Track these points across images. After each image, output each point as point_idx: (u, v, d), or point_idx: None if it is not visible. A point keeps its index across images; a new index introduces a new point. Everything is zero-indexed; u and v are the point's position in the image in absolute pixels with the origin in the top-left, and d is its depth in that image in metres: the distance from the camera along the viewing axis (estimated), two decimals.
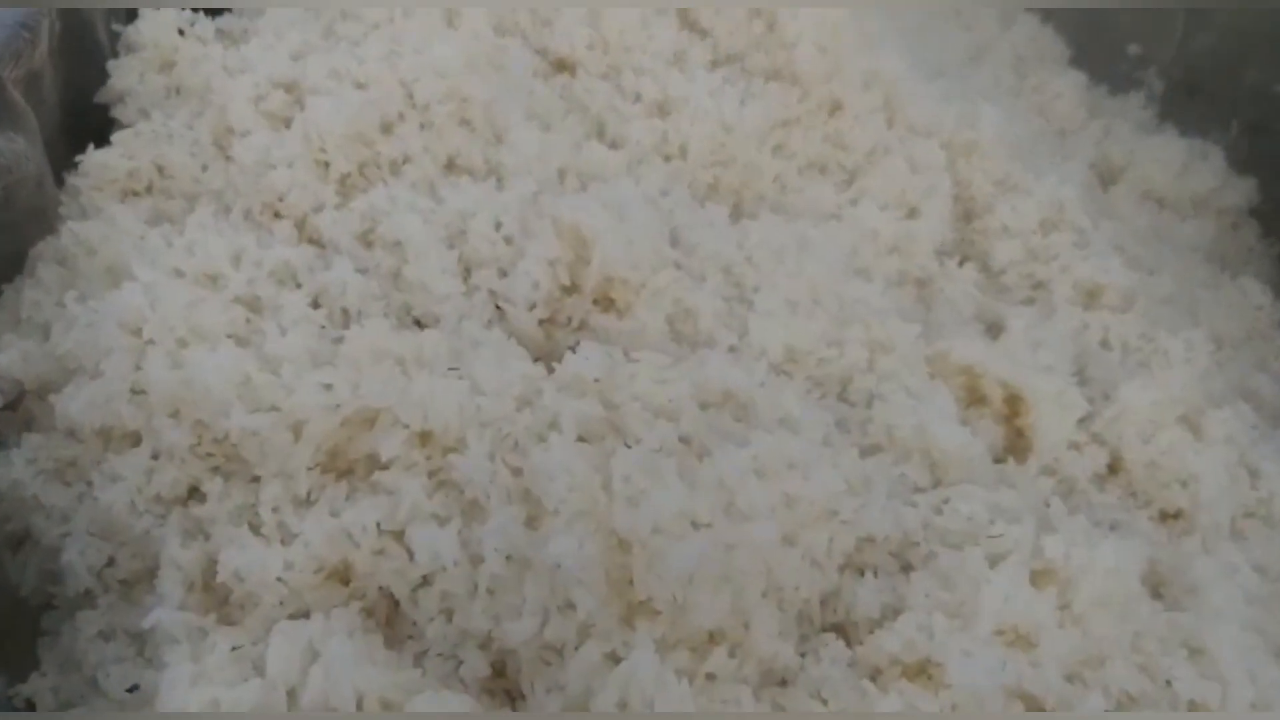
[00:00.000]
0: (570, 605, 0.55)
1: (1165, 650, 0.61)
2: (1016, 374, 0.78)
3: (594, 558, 0.54)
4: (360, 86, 0.80)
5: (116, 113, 0.85)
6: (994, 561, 0.60)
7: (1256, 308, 1.03)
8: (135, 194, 0.79)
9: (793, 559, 0.58)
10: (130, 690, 0.54)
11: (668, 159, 0.92)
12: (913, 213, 0.96)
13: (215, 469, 0.63)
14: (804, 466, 0.61)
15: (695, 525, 0.56)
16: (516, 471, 0.59)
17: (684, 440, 0.62)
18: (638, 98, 0.94)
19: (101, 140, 0.83)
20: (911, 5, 1.17)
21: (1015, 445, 0.78)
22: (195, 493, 0.63)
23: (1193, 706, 0.59)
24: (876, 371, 0.75)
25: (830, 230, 0.92)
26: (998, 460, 0.76)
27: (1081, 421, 0.79)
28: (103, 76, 0.86)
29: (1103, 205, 1.05)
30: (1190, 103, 1.19)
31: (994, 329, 0.91)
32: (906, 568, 0.62)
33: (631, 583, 0.55)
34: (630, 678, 0.52)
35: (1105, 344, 0.90)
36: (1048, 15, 1.25)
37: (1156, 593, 0.68)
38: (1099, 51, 1.23)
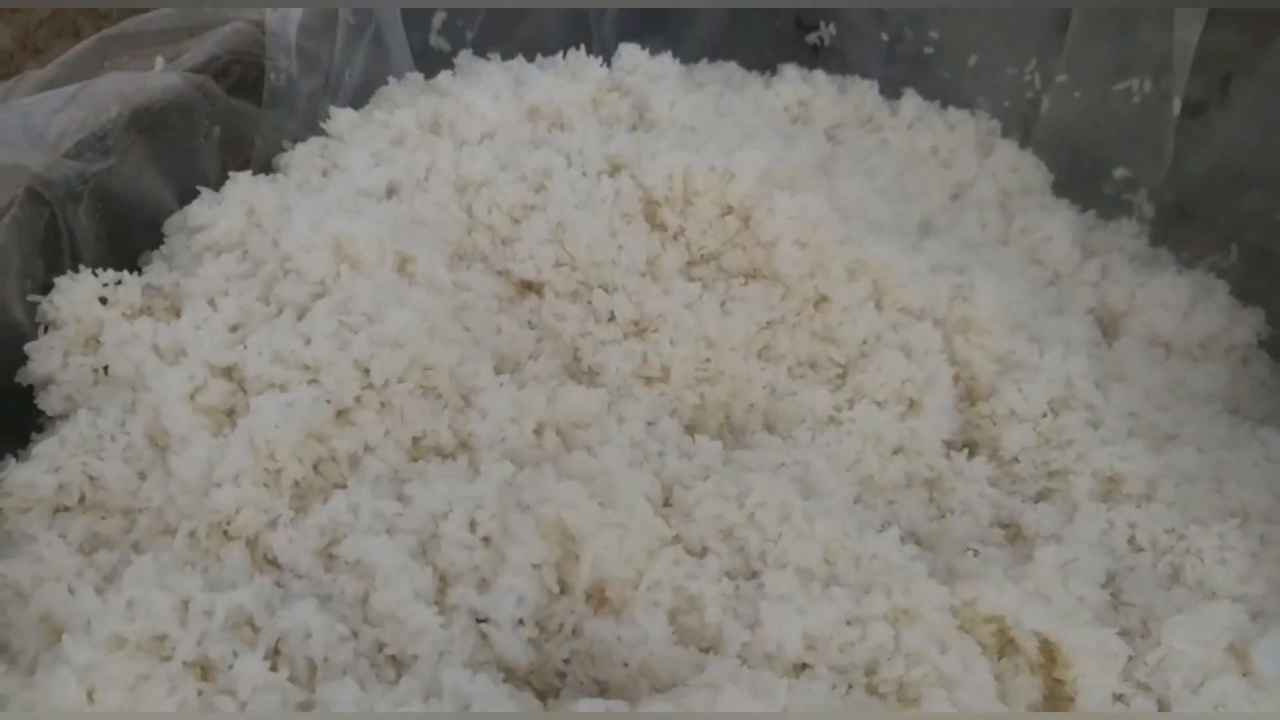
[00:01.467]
0: None
1: None
2: (1051, 625, 0.72)
3: None
4: (309, 372, 0.72)
5: (40, 402, 0.77)
6: None
7: (1274, 462, 0.97)
8: (66, 509, 0.71)
9: None
10: None
11: (649, 382, 0.86)
12: (914, 406, 0.90)
13: None
14: None
15: None
16: None
17: None
18: (611, 317, 0.87)
19: (23, 432, 0.75)
20: (881, 151, 1.11)
21: (1055, 694, 0.72)
22: None
23: None
24: (903, 651, 0.68)
25: (830, 438, 0.86)
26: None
27: (1125, 666, 0.72)
28: (20, 359, 0.78)
29: (1110, 366, 0.99)
30: (1185, 226, 1.14)
31: (1011, 530, 0.85)
32: None
33: None
34: None
35: (1133, 543, 0.84)
36: (1026, 140, 1.19)
37: None
38: (1083, 176, 1.17)
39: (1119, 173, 1.16)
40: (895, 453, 0.88)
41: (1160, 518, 0.85)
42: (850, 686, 0.67)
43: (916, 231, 1.05)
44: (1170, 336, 1.05)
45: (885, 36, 1.20)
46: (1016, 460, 0.90)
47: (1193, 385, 1.03)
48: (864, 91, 1.17)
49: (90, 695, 0.58)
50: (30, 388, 0.78)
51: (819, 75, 1.16)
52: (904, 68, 1.20)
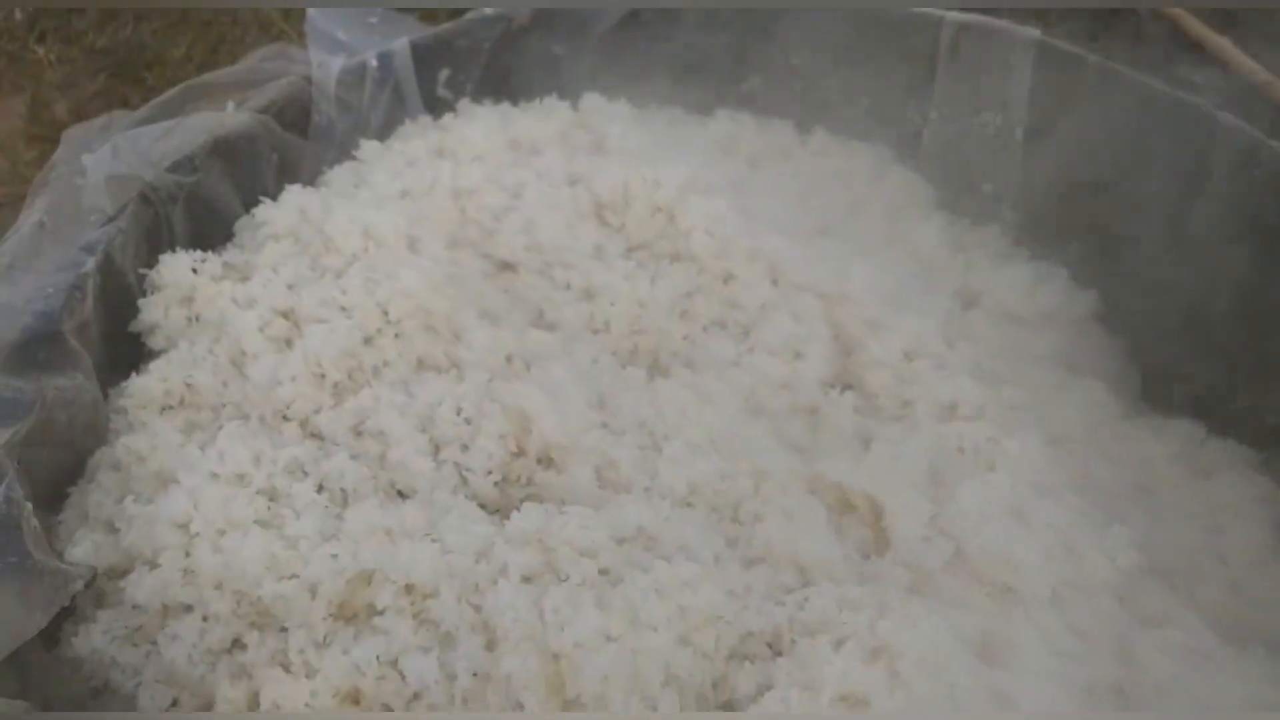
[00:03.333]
0: (520, 705, 0.75)
1: (975, 699, 0.80)
2: (874, 486, 0.99)
3: (535, 669, 0.75)
4: (345, 311, 1.02)
5: (148, 342, 1.07)
6: (838, 645, 0.80)
7: (1098, 403, 1.24)
8: (170, 408, 1.00)
9: (686, 656, 0.78)
10: None
11: (595, 333, 1.15)
12: (798, 355, 1.18)
13: (253, 625, 0.83)
14: (695, 583, 0.81)
15: (609, 639, 0.76)
16: (477, 609, 0.79)
17: (603, 572, 0.82)
18: (568, 287, 1.16)
19: (137, 366, 1.05)
20: (792, 173, 1.41)
21: (880, 543, 0.99)
22: (238, 644, 0.82)
23: None
24: (760, 496, 0.96)
25: (731, 377, 1.14)
26: (866, 557, 0.96)
27: (932, 519, 0.99)
28: (134, 312, 1.08)
29: (962, 329, 1.27)
30: (1038, 229, 1.42)
31: (869, 445, 1.12)
32: (777, 654, 0.82)
33: (563, 685, 0.75)
34: None
35: (960, 450, 1.11)
36: (915, 165, 1.49)
37: (990, 657, 0.88)
38: (958, 192, 1.47)
39: (986, 188, 1.45)
40: (783, 387, 1.15)
41: (983, 432, 1.12)
42: (719, 519, 0.94)
43: (813, 233, 1.34)
44: (1017, 310, 1.33)
45: (799, 86, 1.51)
46: (878, 395, 1.18)
47: (1033, 348, 1.31)
48: (781, 129, 1.48)
49: (195, 506, 0.87)
50: (139, 334, 1.08)
51: (745, 116, 1.47)
52: (815, 110, 1.51)
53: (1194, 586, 1.04)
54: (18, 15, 4.25)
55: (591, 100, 1.39)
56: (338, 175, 1.26)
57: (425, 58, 1.40)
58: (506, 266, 1.18)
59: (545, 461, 0.96)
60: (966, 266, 1.38)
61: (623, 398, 1.03)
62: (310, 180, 1.28)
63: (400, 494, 0.92)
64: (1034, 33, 1.31)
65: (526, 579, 0.81)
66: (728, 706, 0.80)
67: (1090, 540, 1.00)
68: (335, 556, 0.82)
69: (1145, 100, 1.24)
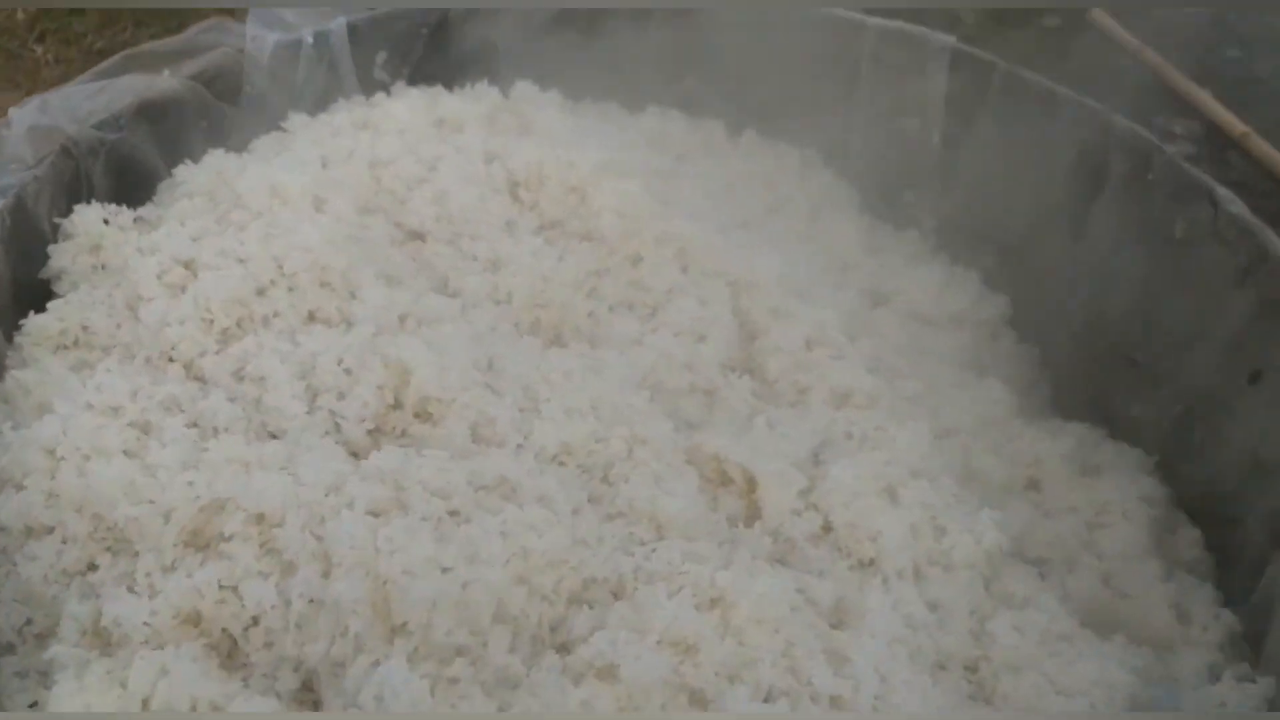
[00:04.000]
0: (347, 629, 0.76)
1: (810, 656, 0.81)
2: (750, 459, 1.01)
3: (363, 594, 0.76)
4: (241, 262, 1.04)
5: (55, 287, 1.09)
6: (673, 593, 0.81)
7: (995, 401, 1.26)
8: (65, 348, 1.02)
9: (521, 595, 0.79)
10: (30, 706, 0.75)
11: (497, 303, 1.17)
12: (702, 338, 1.20)
13: (107, 548, 0.84)
14: (542, 528, 0.83)
15: (442, 570, 0.78)
16: (319, 538, 0.81)
17: (452, 513, 0.84)
18: (475, 258, 1.19)
19: (42, 308, 1.07)
20: (718, 170, 1.44)
21: (751, 515, 1.00)
22: (92, 566, 0.84)
23: (832, 699, 0.80)
24: (633, 459, 0.98)
25: (633, 355, 1.16)
26: (735, 526, 0.98)
27: (803, 493, 1.01)
28: (45, 258, 1.10)
29: (867, 325, 1.29)
30: (956, 235, 1.45)
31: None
32: (619, 600, 0.83)
33: (389, 610, 0.76)
34: (384, 680, 0.73)
35: (848, 435, 1.13)
36: (842, 169, 1.51)
37: (838, 621, 0.90)
38: (882, 198, 1.49)
39: (907, 194, 1.48)
40: (683, 367, 1.17)
41: (872, 420, 1.14)
42: (590, 479, 0.96)
43: (732, 227, 1.37)
44: (925, 310, 1.35)
45: (733, 88, 1.54)
46: (776, 381, 1.20)
47: (938, 347, 1.33)
48: (711, 128, 1.51)
49: (64, 433, 0.88)
50: (49, 280, 1.10)
51: (674, 113, 1.50)
52: (747, 112, 1.54)
53: (1064, 576, 1.06)
54: (20, 15, 4.32)
55: (523, 88, 1.42)
56: (262, 144, 1.29)
57: (363, 39, 1.43)
58: (415, 235, 1.20)
59: (423, 415, 0.98)
60: (880, 267, 1.41)
61: (512, 362, 1.05)
62: (238, 149, 1.31)
63: (271, 435, 0.94)
64: (948, 39, 1.34)
65: (372, 513, 0.83)
66: (563, 649, 0.81)
67: (958, 521, 1.01)
68: (191, 484, 0.84)
69: (1048, 104, 1.27)
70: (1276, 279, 1.02)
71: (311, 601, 0.78)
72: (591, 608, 0.82)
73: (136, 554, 0.83)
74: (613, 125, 1.44)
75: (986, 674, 0.92)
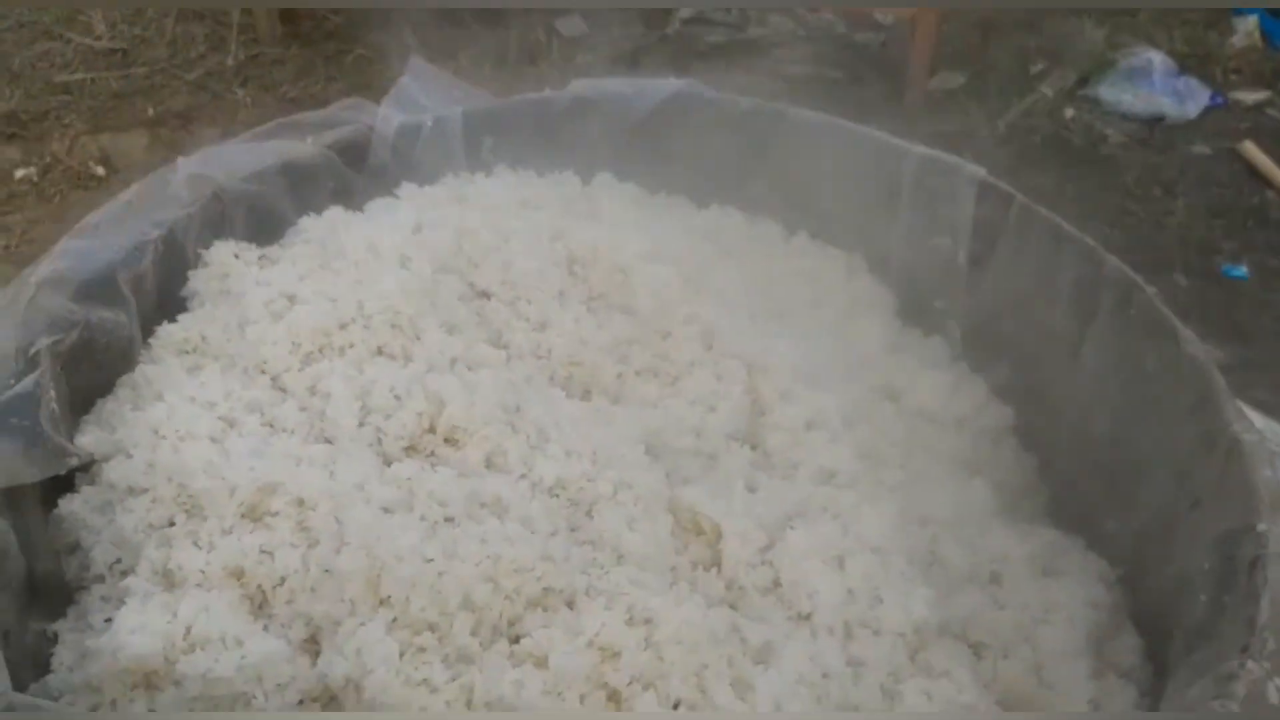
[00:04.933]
0: (346, 597, 0.96)
1: (717, 679, 0.96)
2: (723, 515, 1.17)
3: (361, 570, 0.97)
4: (332, 301, 1.28)
5: (189, 305, 1.36)
6: (610, 607, 0.98)
7: (976, 501, 1.38)
8: (185, 353, 1.27)
9: (487, 591, 0.98)
10: (105, 621, 0.97)
11: (539, 358, 1.37)
12: (712, 408, 1.37)
13: (185, 510, 1.07)
14: (516, 540, 1.02)
15: (425, 559, 0.97)
16: (339, 522, 1.02)
17: (447, 519, 1.04)
18: (527, 319, 1.40)
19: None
20: (766, 265, 1.62)
21: (713, 562, 1.16)
22: (171, 523, 1.07)
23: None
24: (615, 500, 1.15)
25: (645, 415, 1.34)
26: (694, 569, 1.14)
27: (761, 550, 1.16)
28: (185, 280, 1.37)
29: (868, 416, 1.43)
30: (978, 345, 1.58)
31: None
32: (571, 605, 1.01)
33: (378, 584, 0.96)
34: (365, 638, 0.93)
35: (824, 509, 1.27)
36: (884, 275, 1.67)
37: (758, 657, 1.04)
38: (916, 305, 1.64)
39: (937, 304, 1.62)
40: (691, 431, 1.35)
41: (850, 500, 1.28)
42: (575, 511, 1.14)
43: (766, 315, 1.54)
44: (932, 411, 1.49)
45: (794, 194, 1.72)
46: (772, 455, 1.35)
47: (937, 446, 1.46)
48: (767, 227, 1.69)
49: (168, 418, 1.13)
50: (185, 298, 1.37)
51: (734, 210, 1.69)
52: (804, 219, 1.71)
53: (999, 661, 1.17)
54: (230, 62, 4.87)
55: (602, 178, 1.64)
56: (374, 205, 1.55)
57: (476, 125, 1.68)
58: (482, 294, 1.42)
59: (450, 441, 1.18)
60: (897, 366, 1.55)
61: (535, 407, 1.25)
62: (355, 209, 1.57)
63: (326, 440, 1.16)
64: (979, 170, 1.49)
65: (385, 509, 1.03)
66: (514, 639, 0.99)
67: (896, 595, 1.14)
68: (253, 469, 1.06)
69: (1055, 237, 1.40)
70: (1214, 416, 1.13)
71: (326, 571, 0.99)
72: (545, 610, 1.00)
73: (205, 518, 1.06)
74: (675, 217, 1.64)
75: None
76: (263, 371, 1.23)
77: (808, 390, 1.40)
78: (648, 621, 0.98)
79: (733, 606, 1.12)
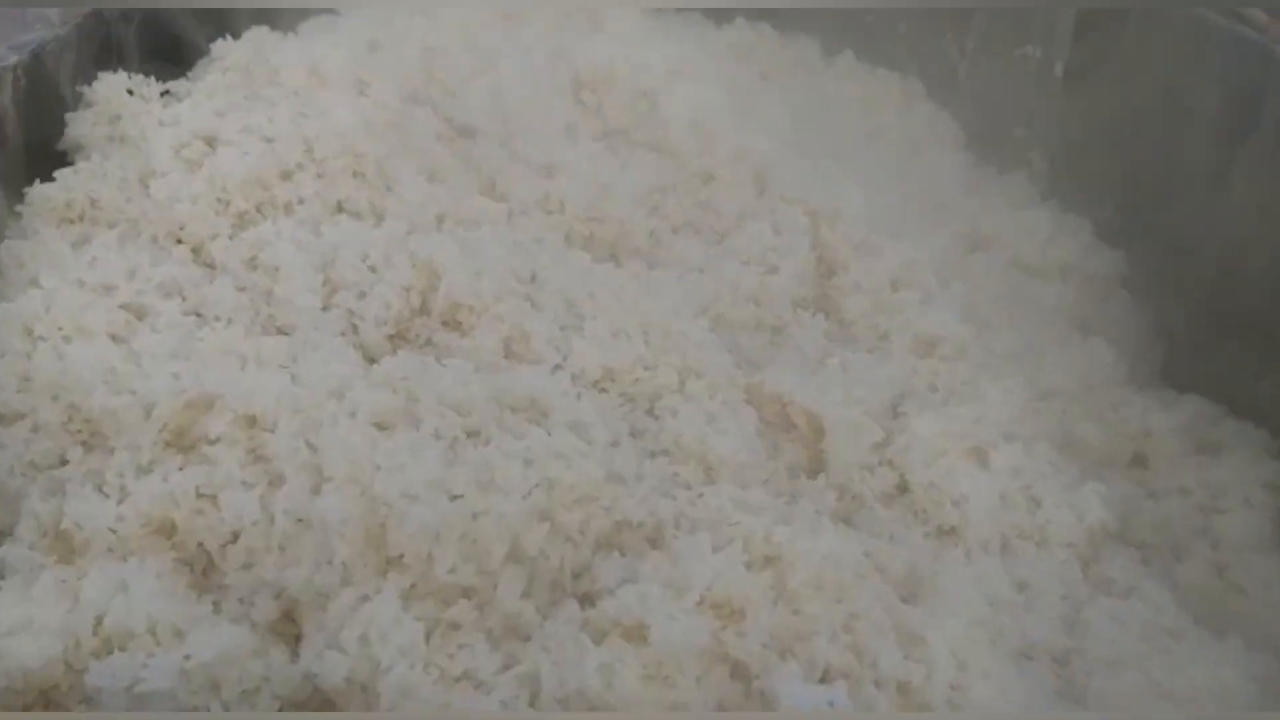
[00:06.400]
0: (332, 556, 0.65)
1: (878, 633, 0.68)
2: (819, 404, 0.88)
3: (355, 516, 0.65)
4: (267, 141, 0.93)
5: (72, 158, 0.99)
6: (719, 547, 0.69)
7: (1102, 364, 1.10)
8: (69, 221, 0.92)
9: (542, 533, 0.67)
10: None
11: (548, 213, 1.04)
12: (773, 269, 1.07)
13: (81, 441, 0.74)
14: (572, 457, 0.71)
15: (449, 496, 0.66)
16: (313, 448, 0.70)
17: (470, 433, 0.72)
18: (528, 162, 1.06)
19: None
20: (809, 91, 1.29)
21: (815, 466, 0.87)
22: (63, 461, 0.74)
23: (899, 686, 0.67)
24: (684, 393, 0.85)
25: (693, 280, 1.03)
26: (794, 477, 0.85)
27: (877, 447, 0.87)
28: (63, 127, 1.00)
29: (962, 270, 1.14)
30: (1070, 181, 1.29)
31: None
32: (654, 549, 0.71)
33: (384, 538, 0.65)
34: (372, 618, 0.62)
35: (932, 388, 0.99)
36: (944, 102, 1.36)
37: (911, 595, 0.77)
38: (991, 135, 1.33)
39: (1018, 132, 1.32)
40: (749, 301, 1.04)
41: (961, 374, 1.00)
42: (633, 409, 0.84)
43: (819, 153, 1.22)
44: (1029, 260, 1.20)
45: (831, 4, 1.39)
46: (854, 323, 1.06)
47: (1041, 301, 1.17)
48: (805, 45, 1.36)
49: (47, 310, 0.78)
50: (65, 152, 1.01)
51: (765, 26, 1.35)
52: (845, 32, 1.39)
53: (1174, 565, 0.91)
54: None
55: None
56: (311, 26, 1.18)
57: None
58: (465, 131, 1.08)
59: (451, 323, 0.87)
60: (981, 209, 1.25)
61: (556, 276, 0.93)
62: (286, 31, 1.20)
63: (279, 331, 0.83)
64: None
65: (377, 424, 0.71)
66: (586, 599, 0.69)
67: (1056, 494, 0.87)
68: (177, 376, 0.73)
69: (1198, 35, 1.09)
70: None
71: (299, 521, 0.67)
72: (623, 555, 0.70)
73: (111, 450, 0.73)
74: (693, 34, 1.30)
75: (1078, 668, 0.78)
76: (179, 240, 0.89)
77: (888, 242, 1.10)
78: (771, 562, 0.69)
79: (846, 521, 0.83)
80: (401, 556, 0.65)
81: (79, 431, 0.74)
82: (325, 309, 0.84)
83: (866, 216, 1.11)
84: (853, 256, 1.09)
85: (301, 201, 0.92)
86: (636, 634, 0.64)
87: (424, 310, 0.86)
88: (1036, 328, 1.13)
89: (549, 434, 0.73)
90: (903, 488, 0.86)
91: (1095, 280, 1.22)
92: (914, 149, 1.32)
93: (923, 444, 0.87)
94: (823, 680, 0.66)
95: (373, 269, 0.87)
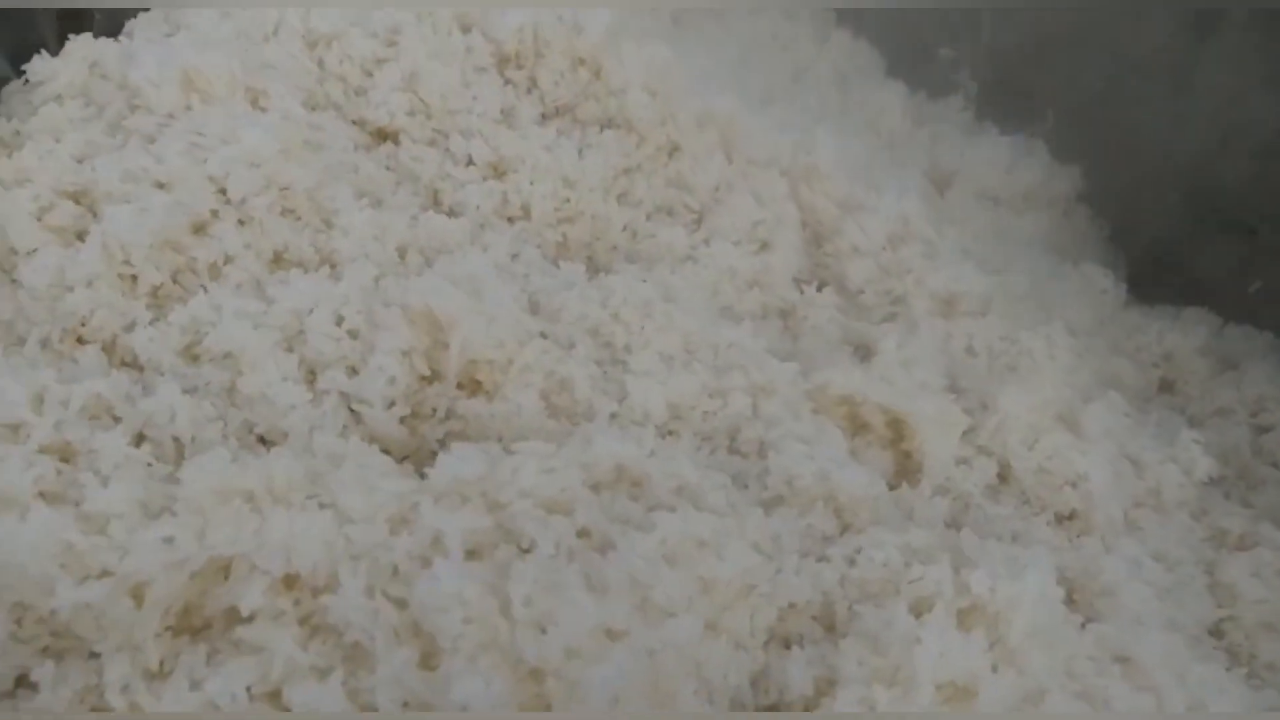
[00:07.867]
0: None
1: (1098, 670, 0.59)
2: (895, 398, 0.77)
3: (504, 695, 0.49)
4: (162, 187, 0.72)
5: None
6: (918, 611, 0.57)
7: (1102, 292, 1.05)
8: None
9: (719, 648, 0.53)
10: None
11: (511, 221, 0.87)
12: (765, 245, 0.94)
13: (44, 650, 0.53)
14: (714, 542, 0.57)
15: (612, 636, 0.51)
16: (401, 605, 0.52)
17: (582, 534, 0.57)
18: (470, 161, 0.88)
19: None
20: (725, 35, 1.16)
21: (905, 468, 0.77)
22: (25, 682, 0.53)
23: None
24: (762, 417, 0.72)
25: (689, 273, 0.89)
26: (891, 487, 0.74)
27: (966, 435, 0.78)
28: None
29: (942, 211, 1.06)
30: (1005, 99, 1.22)
31: (861, 350, 0.90)
32: (831, 630, 0.58)
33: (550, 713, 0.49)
34: None
35: (970, 350, 0.90)
36: (859, 29, 1.26)
37: (1070, 598, 0.68)
38: (912, 59, 1.25)
39: (944, 53, 1.24)
40: (751, 286, 0.92)
41: (994, 328, 0.92)
42: (714, 449, 0.70)
43: (756, 100, 1.10)
44: (996, 190, 1.13)
45: None
46: (862, 292, 0.96)
47: (1018, 230, 1.11)
48: None
49: None
50: None
51: None
52: None
53: (1248, 494, 0.88)
54: None
55: None
56: (144, 22, 0.93)
57: None
58: (384, 135, 0.89)
59: (470, 386, 0.69)
60: (933, 140, 1.17)
61: (563, 299, 0.77)
62: (107, 33, 0.95)
63: (263, 441, 0.63)
64: None
65: (472, 554, 0.55)
66: (776, 709, 0.56)
67: (1151, 449, 0.80)
68: (169, 541, 0.54)
69: None
70: None
71: (409, 706, 0.50)
72: (801, 647, 0.57)
73: (96, 656, 0.53)
74: None
75: (1236, 638, 0.72)
76: (80, 340, 0.67)
77: (871, 193, 1.00)
78: (975, 614, 0.58)
79: (951, 525, 0.73)
80: None
81: (39, 639, 0.53)
82: (313, 400, 0.65)
83: (841, 168, 1.00)
84: (837, 215, 0.98)
85: (229, 260, 0.71)
86: None
87: (435, 376, 0.68)
88: (1027, 261, 1.06)
89: (673, 513, 0.58)
90: (1004, 476, 0.77)
91: (1057, 201, 1.17)
92: (840, 83, 1.22)
93: (1016, 423, 0.78)
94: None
95: (353, 335, 0.68)
